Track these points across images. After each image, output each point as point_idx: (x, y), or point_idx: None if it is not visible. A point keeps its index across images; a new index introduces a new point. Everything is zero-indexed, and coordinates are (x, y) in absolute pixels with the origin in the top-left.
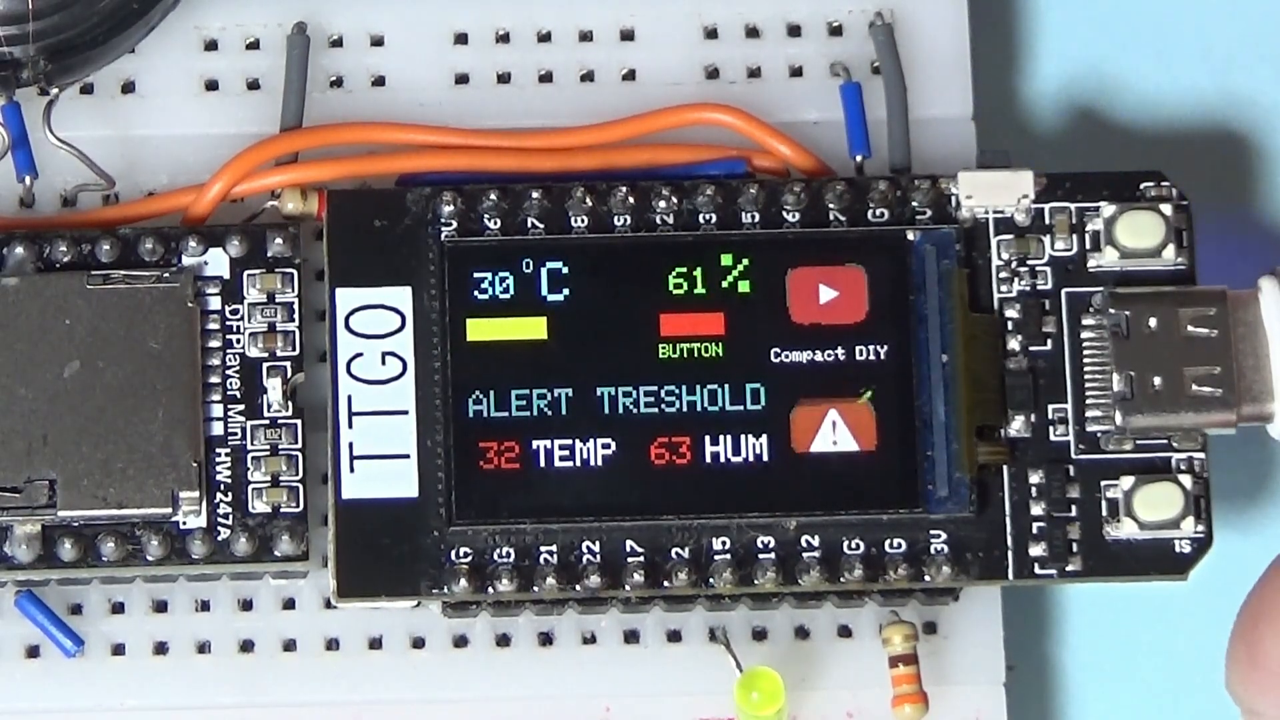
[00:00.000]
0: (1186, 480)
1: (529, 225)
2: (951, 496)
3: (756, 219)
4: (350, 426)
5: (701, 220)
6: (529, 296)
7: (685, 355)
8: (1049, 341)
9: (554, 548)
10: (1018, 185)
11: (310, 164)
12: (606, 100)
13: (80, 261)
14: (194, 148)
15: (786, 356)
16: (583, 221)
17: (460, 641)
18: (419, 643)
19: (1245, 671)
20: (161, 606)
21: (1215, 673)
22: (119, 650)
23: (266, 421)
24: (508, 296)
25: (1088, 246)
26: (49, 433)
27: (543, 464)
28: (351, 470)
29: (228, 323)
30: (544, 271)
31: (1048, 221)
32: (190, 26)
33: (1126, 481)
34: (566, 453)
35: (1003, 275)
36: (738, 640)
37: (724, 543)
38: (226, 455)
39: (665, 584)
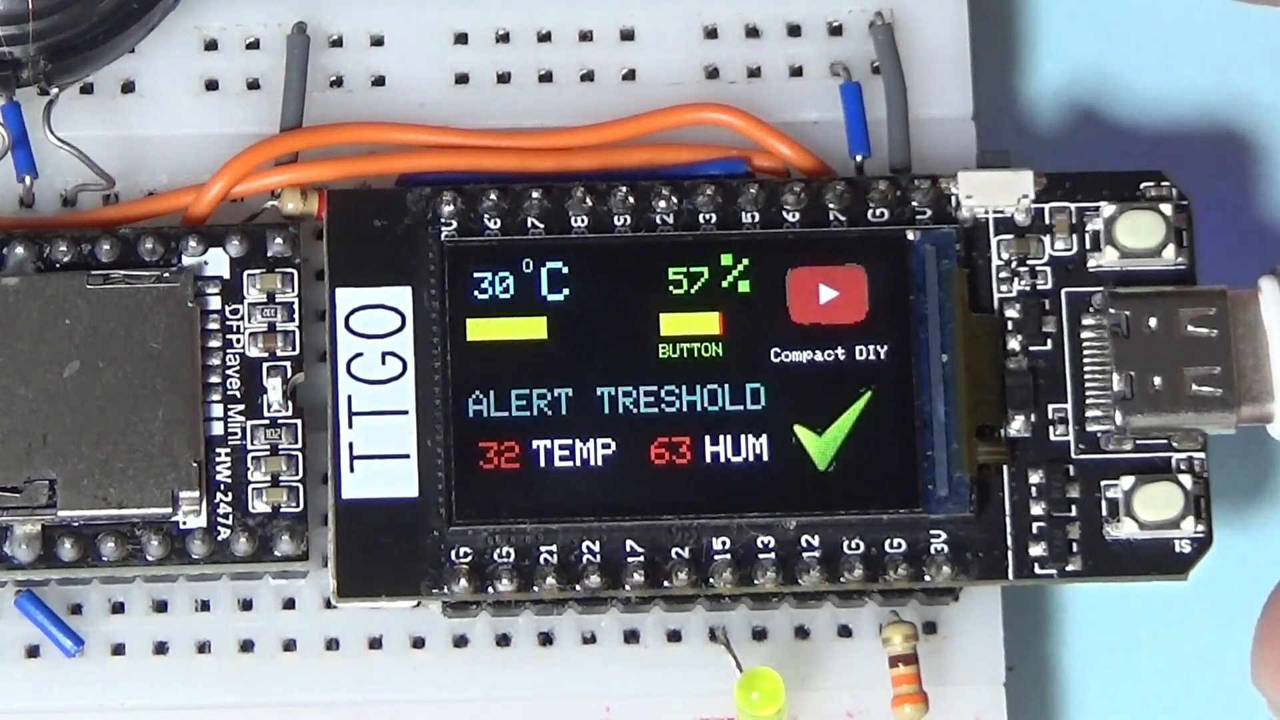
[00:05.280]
0: (1186, 480)
1: (529, 225)
2: (951, 496)
3: (756, 219)
4: (350, 426)
5: (701, 220)
6: (529, 296)
7: (685, 355)
8: (1049, 341)
9: (554, 548)
10: (1018, 185)
11: (310, 164)
12: (606, 100)
13: (80, 261)
14: (194, 148)
15: (786, 356)
16: (583, 221)
17: (460, 641)
18: (419, 643)
19: (1273, 674)
20: (161, 606)
21: (1215, 673)
22: (119, 650)
23: (266, 421)
24: (508, 296)
25: (1088, 246)
26: (49, 433)
27: (543, 464)
28: (351, 470)
29: (228, 323)
30: (544, 271)
31: (1048, 221)
32: (190, 26)
33: (1126, 481)
34: (566, 453)
35: (1003, 275)
36: (738, 640)
37: (724, 543)
38: (226, 455)
39: (665, 584)
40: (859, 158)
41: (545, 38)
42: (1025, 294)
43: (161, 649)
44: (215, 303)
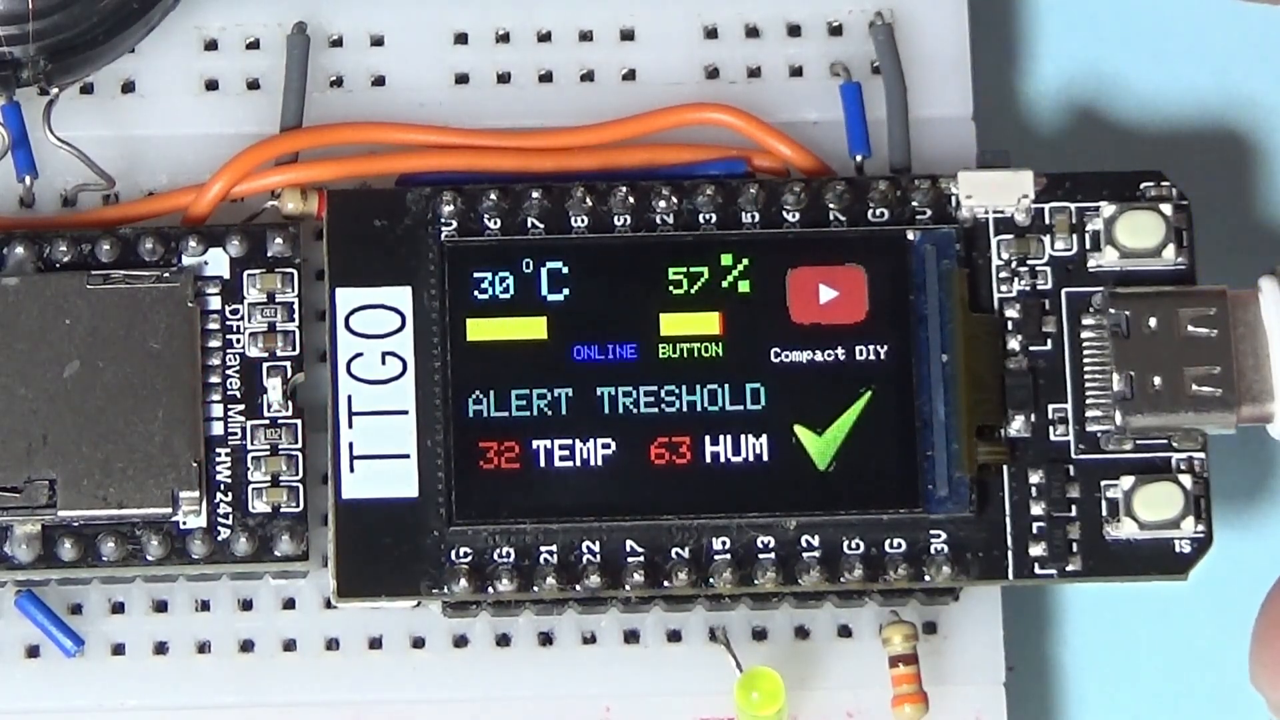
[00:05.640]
0: (1186, 480)
1: (529, 225)
2: (951, 496)
3: (756, 219)
4: (350, 426)
5: (701, 220)
6: (529, 296)
7: (685, 355)
8: (1049, 341)
9: (554, 548)
10: (1018, 185)
11: (310, 164)
12: (606, 100)
13: (80, 261)
14: (194, 148)
15: (786, 356)
16: (583, 221)
17: (460, 641)
18: (419, 643)
19: (1271, 674)
20: (161, 606)
21: (1215, 673)
22: (119, 650)
23: (266, 421)
24: (508, 296)
25: (1088, 246)
26: (49, 433)
27: (543, 464)
28: (351, 470)
29: (228, 323)
30: (544, 271)
31: (1048, 221)
32: (190, 26)
33: (1126, 481)
34: (566, 453)
35: (1003, 275)
36: (738, 640)
37: (724, 543)
38: (226, 455)
39: (665, 584)
40: (859, 158)
41: (545, 38)
42: (1025, 294)
43: (161, 649)
44: (215, 303)
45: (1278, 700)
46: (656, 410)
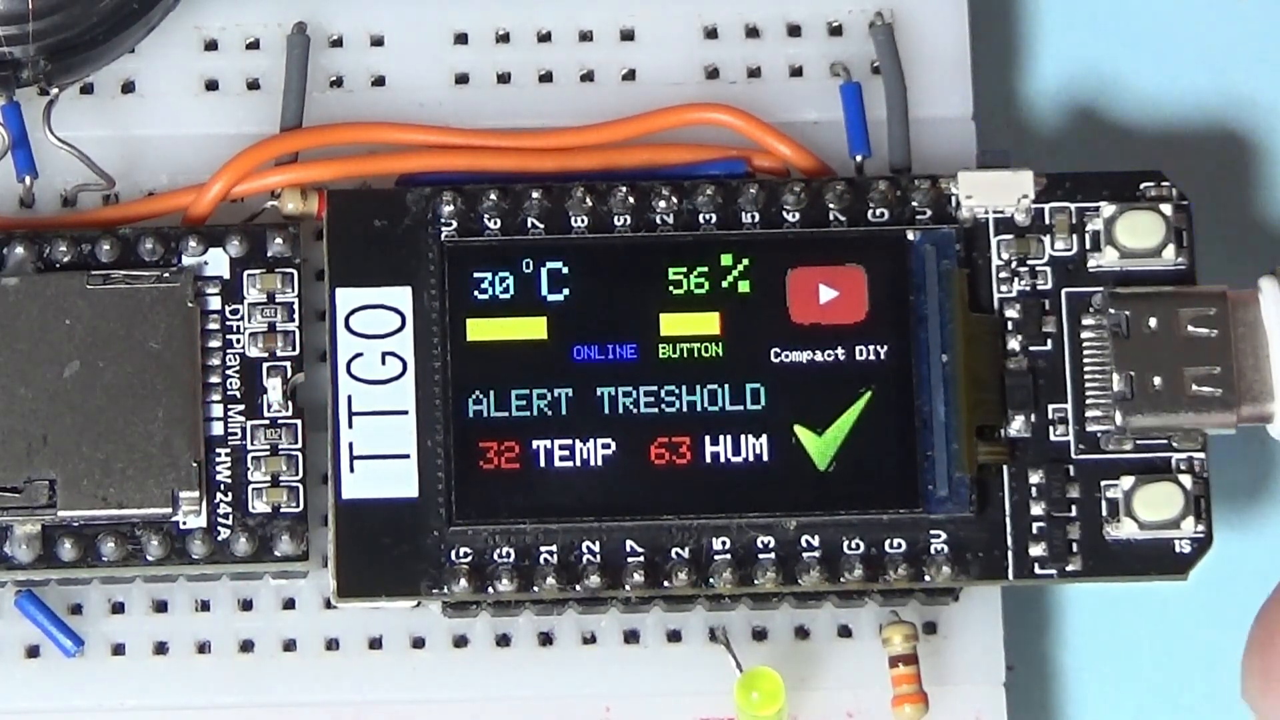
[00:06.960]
0: (1186, 480)
1: (529, 225)
2: (951, 496)
3: (756, 219)
4: (350, 426)
5: (701, 220)
6: (529, 296)
7: (685, 355)
8: (1049, 341)
9: (554, 548)
10: (1018, 185)
11: (310, 164)
12: (606, 100)
13: (80, 261)
14: (194, 148)
15: (786, 356)
16: (583, 221)
17: (460, 641)
18: (419, 643)
19: (1261, 684)
20: (161, 606)
21: (1215, 673)
22: (119, 650)
23: (266, 421)
24: (508, 296)
25: (1088, 246)
26: (49, 433)
27: (543, 464)
28: (351, 470)
29: (228, 323)
30: (544, 271)
31: (1048, 221)
32: (190, 26)
33: (1126, 481)
34: (566, 453)
35: (1003, 275)
36: (738, 640)
37: (724, 543)
38: (226, 455)
39: (665, 584)
40: (859, 158)
41: (545, 38)
42: (1025, 294)
43: (161, 649)
44: (215, 303)
45: (1267, 712)
46: (656, 410)
